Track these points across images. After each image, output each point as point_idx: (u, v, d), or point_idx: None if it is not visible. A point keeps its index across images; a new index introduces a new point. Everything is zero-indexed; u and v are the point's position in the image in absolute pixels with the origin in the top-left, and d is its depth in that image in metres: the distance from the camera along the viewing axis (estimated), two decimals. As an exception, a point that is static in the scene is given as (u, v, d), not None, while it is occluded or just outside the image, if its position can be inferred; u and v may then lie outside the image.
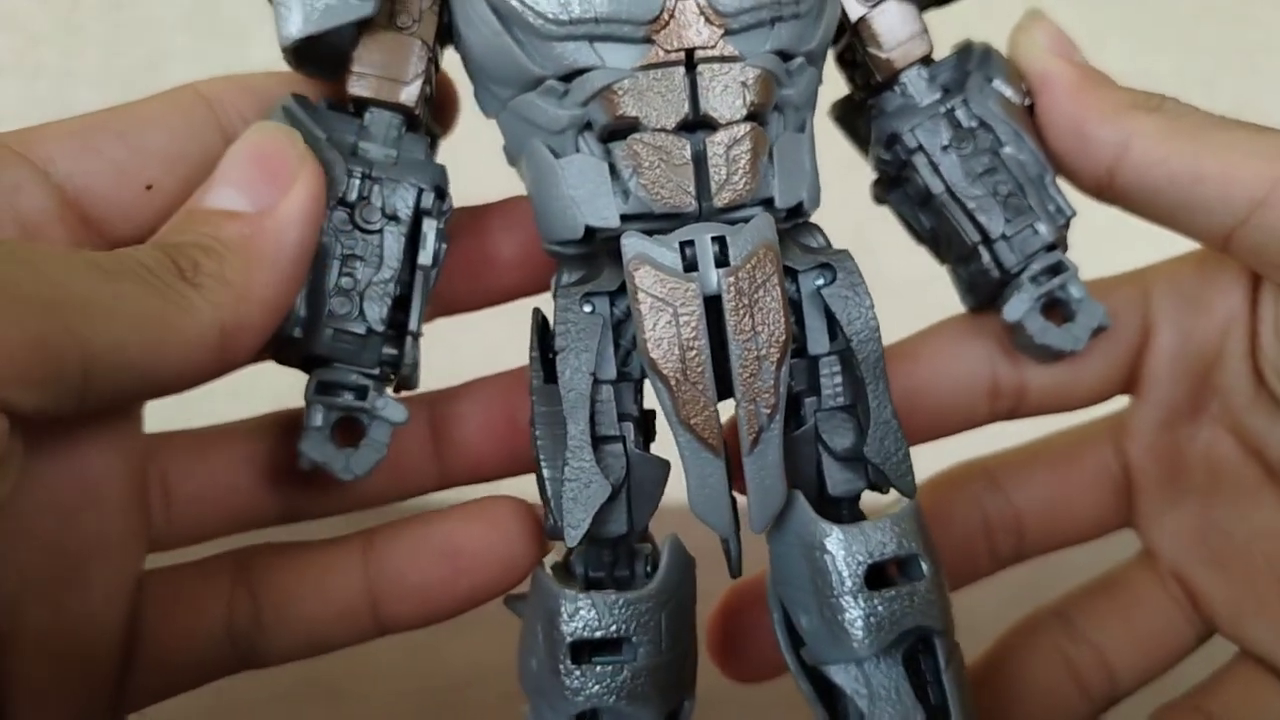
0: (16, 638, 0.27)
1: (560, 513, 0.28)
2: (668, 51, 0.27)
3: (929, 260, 0.35)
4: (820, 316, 0.29)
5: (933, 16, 0.33)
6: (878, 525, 0.28)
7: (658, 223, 0.28)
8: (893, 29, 0.32)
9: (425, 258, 0.30)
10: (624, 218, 0.28)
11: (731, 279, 0.27)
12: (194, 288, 0.26)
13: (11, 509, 0.26)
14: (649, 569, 0.29)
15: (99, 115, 0.30)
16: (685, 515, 0.28)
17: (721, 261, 0.27)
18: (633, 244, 0.27)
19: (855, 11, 0.32)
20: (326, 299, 0.29)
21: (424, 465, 0.34)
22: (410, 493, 0.34)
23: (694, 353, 0.27)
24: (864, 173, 0.35)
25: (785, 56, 0.28)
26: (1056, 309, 0.33)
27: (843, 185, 0.34)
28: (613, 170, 0.28)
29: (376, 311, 0.30)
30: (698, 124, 0.28)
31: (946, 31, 0.33)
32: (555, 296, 0.29)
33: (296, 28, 0.29)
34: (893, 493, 0.29)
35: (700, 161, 0.27)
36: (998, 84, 0.32)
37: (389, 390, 0.31)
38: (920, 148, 0.32)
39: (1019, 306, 0.32)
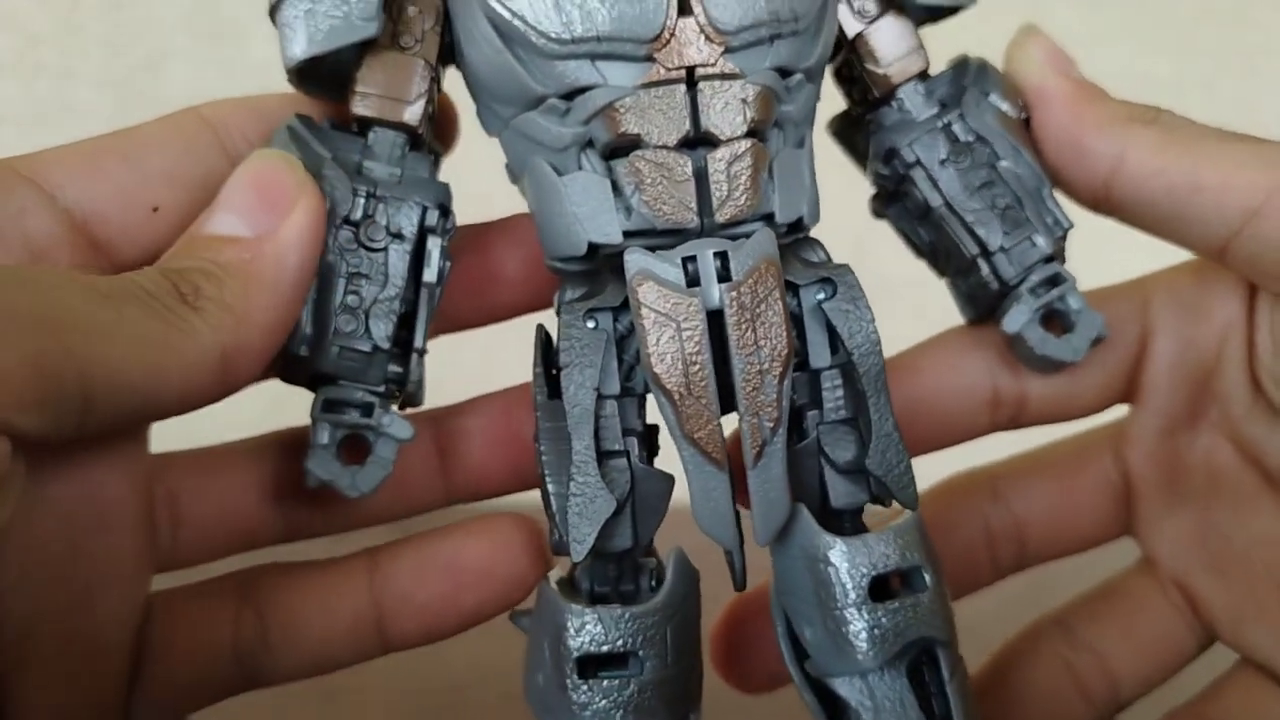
0: (26, 659, 0.27)
1: (566, 527, 0.28)
2: (669, 69, 0.27)
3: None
4: (821, 330, 0.29)
5: (927, 32, 0.33)
6: (880, 537, 0.28)
7: (660, 239, 0.28)
8: (889, 45, 0.33)
9: (430, 275, 0.30)
10: (626, 234, 0.28)
11: (734, 293, 0.27)
12: (194, 311, 0.26)
13: (19, 531, 0.26)
14: (653, 583, 0.29)
15: (104, 139, 0.30)
16: (688, 528, 0.28)
17: (723, 276, 0.27)
18: (636, 260, 0.27)
19: (852, 28, 0.33)
20: (333, 317, 0.30)
21: (429, 482, 0.34)
22: (416, 510, 0.34)
23: (697, 367, 0.27)
24: (862, 183, 0.35)
25: (784, 73, 0.29)
26: (1055, 320, 0.33)
27: (841, 195, 0.35)
28: (615, 187, 0.28)
29: (382, 329, 0.30)
30: (699, 141, 0.28)
31: (940, 47, 0.34)
32: (559, 313, 0.29)
33: (301, 49, 0.29)
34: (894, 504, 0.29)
35: (702, 178, 0.28)
36: (994, 98, 0.33)
37: (394, 408, 0.31)
38: (918, 162, 0.32)
39: (1018, 318, 0.32)
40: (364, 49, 0.30)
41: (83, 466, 0.28)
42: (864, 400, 0.29)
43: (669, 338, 0.27)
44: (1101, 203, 0.32)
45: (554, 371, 0.29)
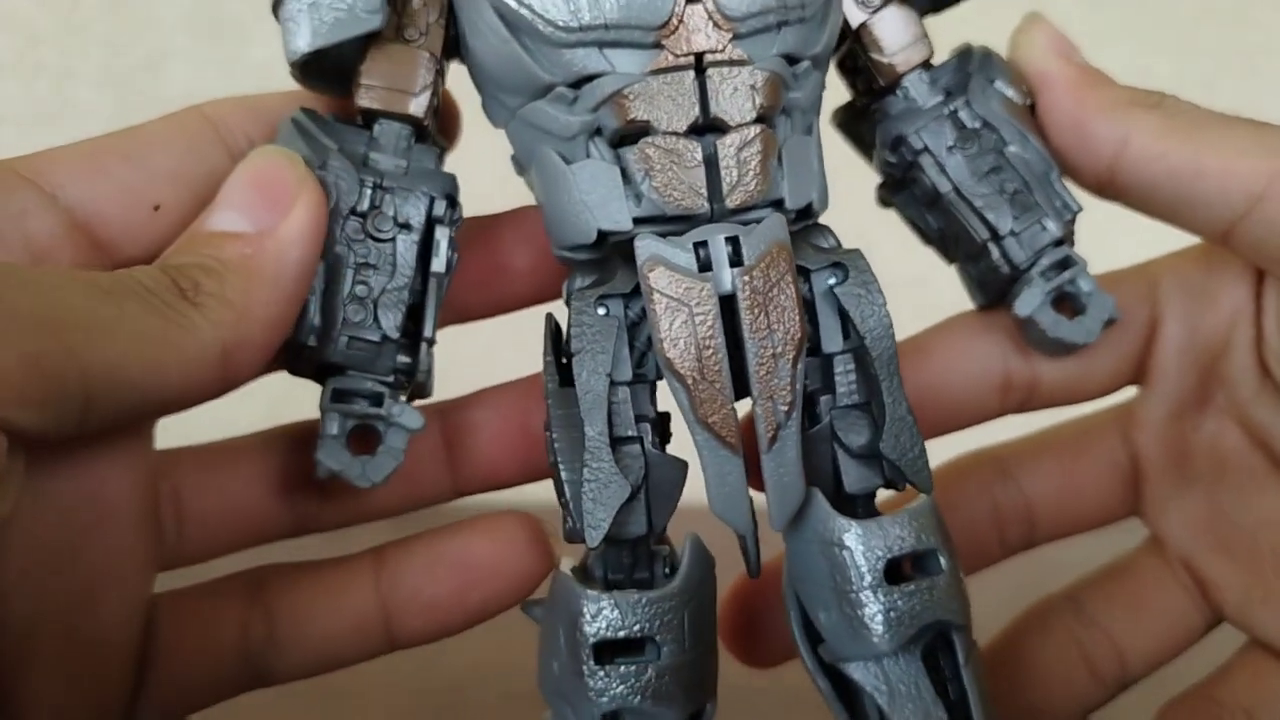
0: (28, 658, 0.27)
1: (580, 514, 0.28)
2: (677, 56, 0.27)
3: (928, 259, 0.35)
4: (834, 315, 0.29)
5: (927, 27, 0.33)
6: (896, 520, 0.28)
7: (670, 225, 0.28)
8: (893, 34, 0.33)
9: (438, 265, 0.30)
10: (636, 221, 0.28)
11: (746, 278, 0.27)
12: (195, 307, 0.26)
13: (20, 529, 0.26)
14: (668, 570, 0.29)
15: (105, 138, 0.30)
16: (701, 515, 0.28)
17: (735, 261, 0.27)
18: (647, 245, 0.27)
19: (856, 18, 0.33)
20: (341, 307, 0.30)
21: (437, 474, 0.34)
22: (424, 503, 0.34)
23: (710, 351, 0.27)
24: (862, 184, 0.35)
25: (792, 60, 0.29)
26: (1067, 303, 0.33)
27: (842, 195, 0.35)
28: (624, 174, 0.28)
29: (391, 319, 0.30)
30: (708, 127, 0.28)
31: (940, 43, 0.34)
32: (568, 301, 0.29)
33: (305, 42, 0.29)
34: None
35: (711, 163, 0.28)
36: (999, 85, 0.33)
37: (403, 398, 0.31)
38: (926, 149, 0.33)
39: (1030, 301, 0.33)
40: (368, 42, 0.30)
41: (84, 464, 0.28)
42: (877, 384, 0.29)
43: (681, 323, 0.27)
44: (1106, 187, 0.33)
45: (565, 360, 0.29)
